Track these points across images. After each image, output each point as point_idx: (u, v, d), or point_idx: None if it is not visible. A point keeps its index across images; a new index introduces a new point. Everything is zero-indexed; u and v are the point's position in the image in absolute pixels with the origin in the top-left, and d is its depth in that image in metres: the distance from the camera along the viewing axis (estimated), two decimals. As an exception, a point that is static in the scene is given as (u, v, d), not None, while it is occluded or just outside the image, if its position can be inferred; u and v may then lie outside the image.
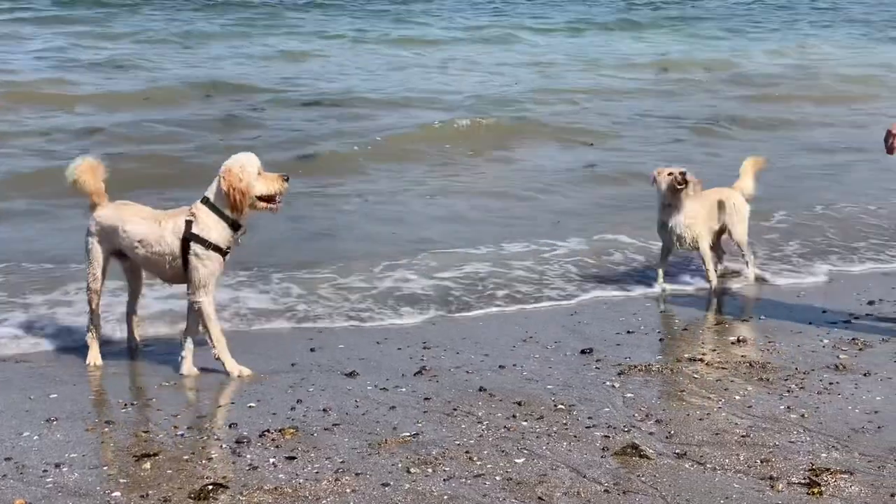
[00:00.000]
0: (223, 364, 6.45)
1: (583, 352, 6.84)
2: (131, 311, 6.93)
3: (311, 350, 6.95)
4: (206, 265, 6.34)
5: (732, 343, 7.03)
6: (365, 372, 6.45)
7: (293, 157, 12.67)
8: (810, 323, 7.45)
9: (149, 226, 6.41)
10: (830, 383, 6.20)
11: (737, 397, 5.98)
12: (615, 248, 9.42)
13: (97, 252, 6.55)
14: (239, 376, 6.39)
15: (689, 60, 22.37)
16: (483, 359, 6.74)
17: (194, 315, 6.48)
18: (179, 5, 30.09)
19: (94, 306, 6.65)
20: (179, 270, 6.42)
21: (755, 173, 8.83)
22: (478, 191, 11.77)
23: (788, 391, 6.07)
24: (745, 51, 24.57)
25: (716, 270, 8.50)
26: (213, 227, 6.33)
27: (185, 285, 6.47)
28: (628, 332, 7.38)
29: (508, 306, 7.98)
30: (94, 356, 6.66)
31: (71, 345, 6.91)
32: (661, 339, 7.21)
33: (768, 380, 6.27)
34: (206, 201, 6.36)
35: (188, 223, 6.32)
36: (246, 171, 6.31)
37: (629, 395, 6.03)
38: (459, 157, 13.41)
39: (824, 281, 8.72)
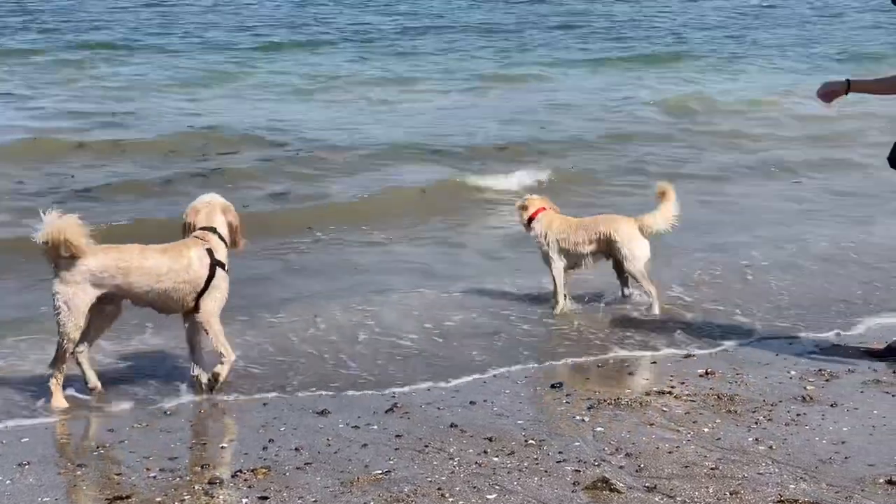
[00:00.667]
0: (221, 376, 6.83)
1: (552, 386, 6.90)
2: (85, 352, 6.85)
3: (283, 388, 6.98)
4: (225, 289, 6.82)
5: (700, 375, 7.09)
6: (336, 410, 6.47)
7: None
8: (777, 354, 7.53)
9: (172, 257, 6.64)
10: (798, 415, 6.28)
11: (705, 430, 6.05)
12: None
13: (81, 301, 6.51)
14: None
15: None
16: (454, 395, 6.78)
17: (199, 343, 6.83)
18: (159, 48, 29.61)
19: (68, 354, 6.62)
20: (193, 298, 6.69)
21: (670, 206, 8.66)
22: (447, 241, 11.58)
23: (756, 423, 6.15)
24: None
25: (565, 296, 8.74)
26: (226, 255, 6.80)
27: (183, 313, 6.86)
28: (598, 366, 7.45)
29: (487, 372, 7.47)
30: (60, 400, 6.62)
31: (38, 389, 6.86)
32: (630, 373, 7.27)
33: (736, 412, 6.34)
34: (214, 231, 6.81)
35: (209, 251, 6.71)
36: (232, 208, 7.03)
37: (599, 429, 6.08)
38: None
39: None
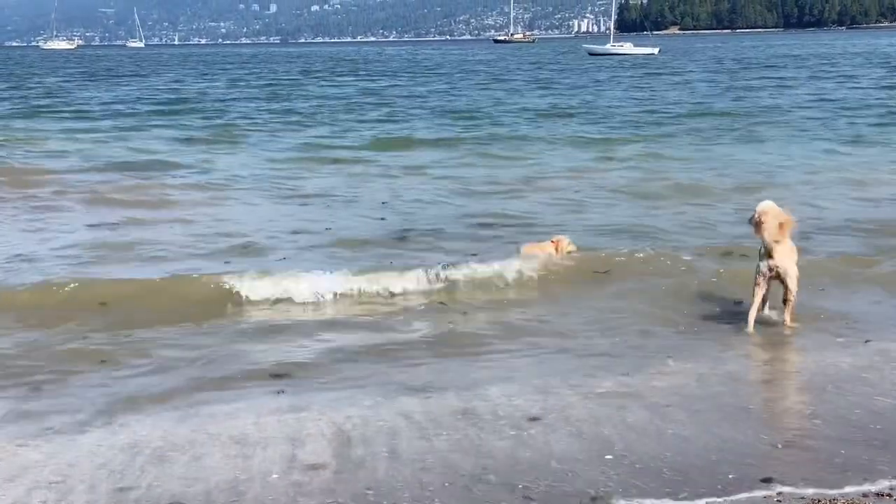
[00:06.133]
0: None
1: (763, 481, 6.61)
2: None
3: (484, 469, 6.91)
4: None
5: (925, 479, 6.66)
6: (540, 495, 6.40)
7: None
8: None
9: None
10: None
11: (930, 538, 5.69)
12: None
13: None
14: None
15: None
16: (660, 487, 6.59)
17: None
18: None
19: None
20: None
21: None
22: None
23: None
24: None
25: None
26: None
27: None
28: (808, 460, 7.07)
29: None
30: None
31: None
32: (845, 471, 6.81)
33: (965, 519, 5.94)
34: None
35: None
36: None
37: (813, 530, 5.80)
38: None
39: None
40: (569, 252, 12.85)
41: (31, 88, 62.65)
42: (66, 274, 12.35)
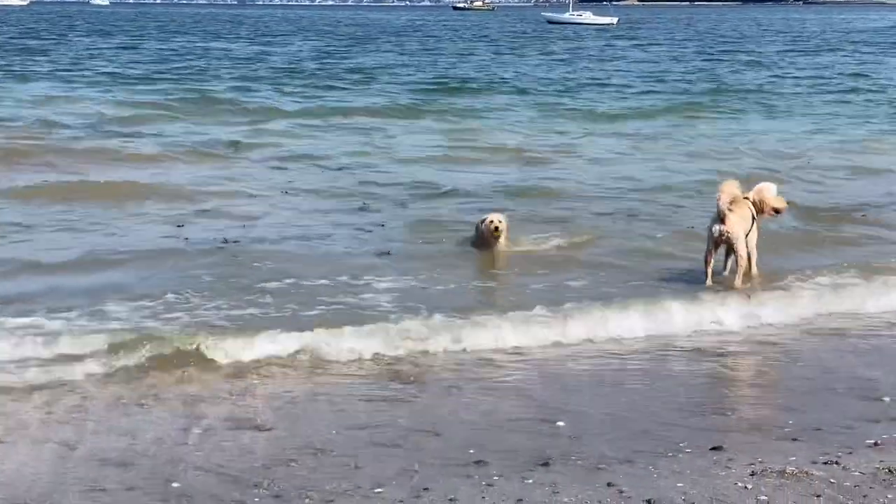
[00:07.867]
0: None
1: (712, 449, 6.68)
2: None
3: (437, 434, 6.93)
4: (756, 232, 10.98)
5: (869, 446, 6.76)
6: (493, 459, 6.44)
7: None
8: (956, 426, 7.11)
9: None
10: (981, 494, 5.89)
11: (877, 505, 5.75)
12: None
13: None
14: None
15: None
16: (611, 452, 6.64)
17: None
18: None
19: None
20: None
21: None
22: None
23: (933, 501, 5.81)
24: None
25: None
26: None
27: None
28: (759, 429, 7.17)
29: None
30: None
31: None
32: (794, 439, 6.96)
33: (910, 487, 6.01)
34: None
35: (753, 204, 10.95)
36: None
37: (763, 497, 5.85)
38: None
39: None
40: (493, 231, 11.93)
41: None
42: None
